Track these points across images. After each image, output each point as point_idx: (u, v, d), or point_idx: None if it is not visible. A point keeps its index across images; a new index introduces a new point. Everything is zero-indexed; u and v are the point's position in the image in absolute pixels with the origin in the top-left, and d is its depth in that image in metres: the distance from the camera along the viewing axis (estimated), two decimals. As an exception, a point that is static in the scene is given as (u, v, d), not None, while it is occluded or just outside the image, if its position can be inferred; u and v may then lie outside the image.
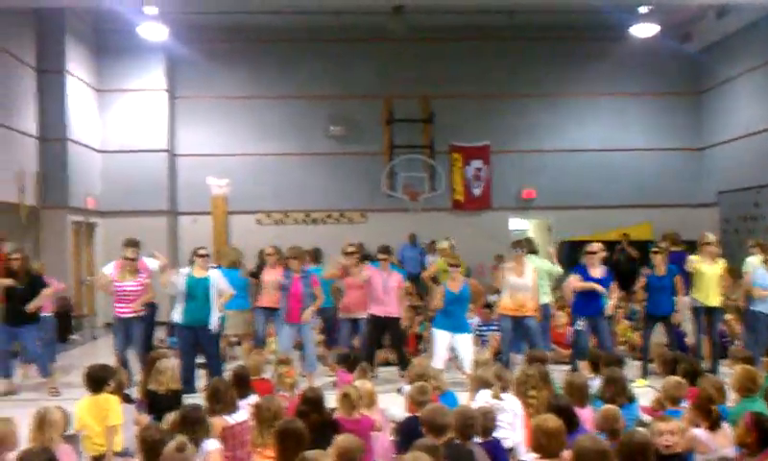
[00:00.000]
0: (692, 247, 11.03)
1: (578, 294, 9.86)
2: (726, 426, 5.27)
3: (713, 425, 5.02)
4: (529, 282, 9.63)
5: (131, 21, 15.75)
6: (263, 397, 6.36)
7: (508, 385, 6.37)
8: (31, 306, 9.73)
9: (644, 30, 16.37)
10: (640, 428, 4.96)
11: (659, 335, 10.46)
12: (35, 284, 9.95)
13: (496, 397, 6.08)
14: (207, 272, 9.67)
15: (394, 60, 19.05)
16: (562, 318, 11.51)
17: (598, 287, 9.61)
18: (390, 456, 6.03)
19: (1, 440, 4.94)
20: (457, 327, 9.48)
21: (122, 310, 9.81)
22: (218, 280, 9.69)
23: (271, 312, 10.60)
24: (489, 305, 11.99)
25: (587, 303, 9.75)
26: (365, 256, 12.47)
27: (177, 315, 9.58)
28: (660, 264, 9.99)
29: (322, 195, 18.93)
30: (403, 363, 9.83)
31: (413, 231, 18.17)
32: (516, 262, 9.70)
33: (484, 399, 6.08)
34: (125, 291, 9.79)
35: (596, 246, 9.90)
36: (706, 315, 10.16)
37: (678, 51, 18.96)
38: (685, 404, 5.91)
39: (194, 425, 5.30)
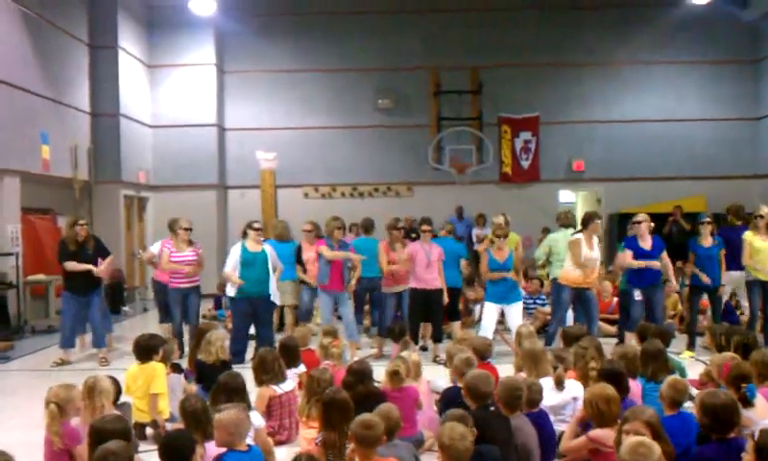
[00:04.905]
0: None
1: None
2: (760, 401, 5.16)
3: (743, 402, 4.91)
4: (598, 255, 9.54)
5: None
6: (315, 368, 6.43)
7: (570, 366, 6.20)
8: (102, 270, 9.88)
9: (700, -4, 15.91)
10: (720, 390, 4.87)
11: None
12: (101, 250, 10.11)
13: (559, 385, 5.90)
14: (261, 246, 9.66)
15: (441, 30, 18.89)
16: (608, 288, 11.40)
17: (654, 264, 9.43)
18: (434, 426, 6.06)
19: (63, 406, 5.10)
20: (507, 297, 9.45)
21: (180, 281, 9.92)
22: (272, 253, 9.73)
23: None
24: (539, 279, 11.89)
25: (642, 274, 9.54)
26: (413, 230, 12.46)
27: (232, 288, 9.59)
28: (707, 236, 9.79)
29: (368, 168, 18.93)
30: (437, 336, 9.86)
31: (460, 204, 18.10)
32: (587, 235, 9.52)
33: (545, 391, 5.77)
34: (183, 261, 9.89)
35: (641, 216, 9.71)
36: (760, 288, 9.94)
37: (735, 18, 18.39)
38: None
39: (232, 394, 5.38)
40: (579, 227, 10.01)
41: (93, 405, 5.36)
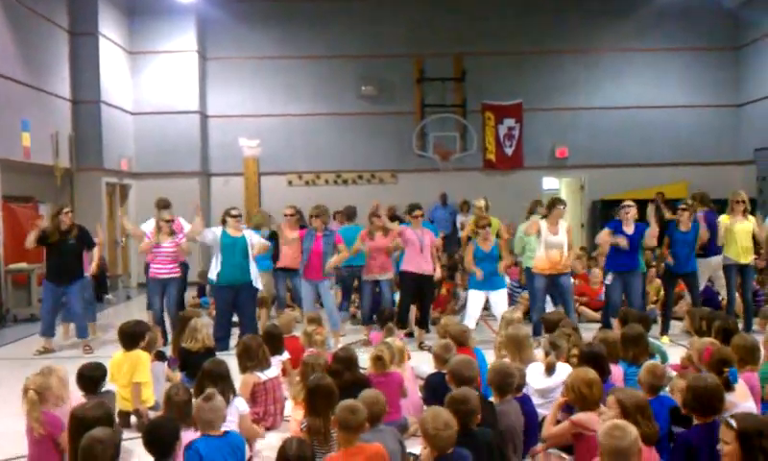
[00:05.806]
0: (723, 205, 10.86)
1: (612, 249, 9.73)
2: (741, 385, 5.22)
3: (725, 386, 4.96)
4: (563, 240, 9.59)
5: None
6: (310, 354, 6.47)
7: (563, 353, 6.21)
8: (93, 268, 10.30)
9: (681, -17, 15.98)
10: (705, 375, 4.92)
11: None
12: (85, 240, 10.07)
13: (549, 369, 5.91)
14: (241, 232, 9.69)
15: (425, 17, 18.86)
16: (597, 276, 11.49)
17: (621, 242, 9.47)
18: (419, 412, 6.09)
19: (42, 392, 5.08)
20: (491, 284, 9.48)
21: (159, 271, 9.87)
22: (252, 237, 9.76)
23: (290, 273, 10.60)
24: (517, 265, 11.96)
25: (618, 259, 9.62)
26: (395, 218, 12.45)
27: (214, 275, 9.59)
28: (685, 221, 9.87)
29: (352, 156, 18.90)
30: (424, 322, 9.91)
31: (444, 191, 18.14)
32: (551, 220, 9.64)
33: (535, 375, 5.88)
34: (162, 252, 9.84)
35: (631, 202, 9.82)
36: (738, 272, 10.07)
37: (716, 5, 18.51)
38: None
39: (216, 380, 5.38)
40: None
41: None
